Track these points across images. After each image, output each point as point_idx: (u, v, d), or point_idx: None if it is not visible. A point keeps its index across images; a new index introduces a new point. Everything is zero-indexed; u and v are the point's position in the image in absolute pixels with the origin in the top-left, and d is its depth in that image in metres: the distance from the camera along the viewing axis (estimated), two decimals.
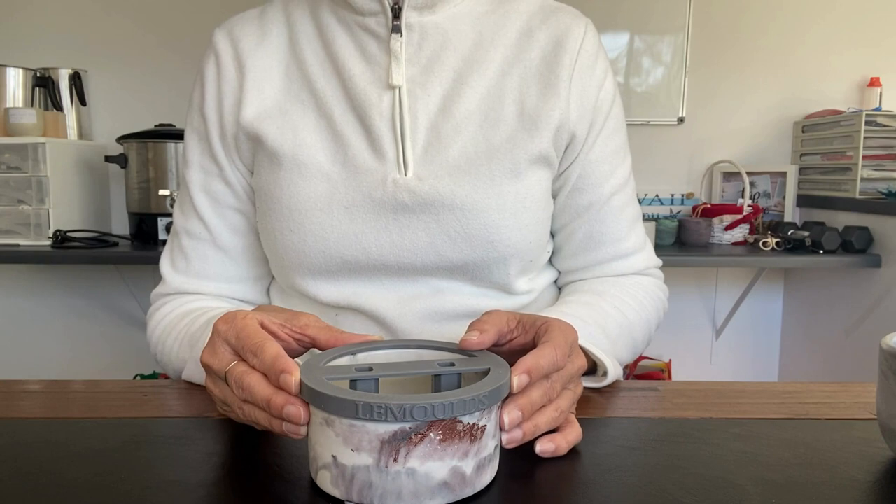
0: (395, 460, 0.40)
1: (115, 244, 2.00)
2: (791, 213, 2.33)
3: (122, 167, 2.08)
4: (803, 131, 2.34)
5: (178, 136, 2.03)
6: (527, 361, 0.46)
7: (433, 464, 0.40)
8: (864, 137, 2.07)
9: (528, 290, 0.77)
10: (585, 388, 0.62)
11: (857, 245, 1.99)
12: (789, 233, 2.08)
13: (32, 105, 2.16)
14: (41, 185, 1.97)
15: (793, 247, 2.03)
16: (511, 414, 0.45)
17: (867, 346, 2.05)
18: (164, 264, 0.79)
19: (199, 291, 0.78)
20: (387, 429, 0.39)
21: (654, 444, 0.51)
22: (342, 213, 0.70)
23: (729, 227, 2.19)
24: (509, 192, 0.70)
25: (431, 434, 0.40)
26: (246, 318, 0.48)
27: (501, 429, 0.45)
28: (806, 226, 2.14)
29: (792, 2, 2.33)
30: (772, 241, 2.03)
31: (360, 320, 0.73)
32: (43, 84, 2.16)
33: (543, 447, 0.48)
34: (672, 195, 2.42)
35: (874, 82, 2.30)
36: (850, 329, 2.12)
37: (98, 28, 2.30)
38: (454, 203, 0.69)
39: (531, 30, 0.74)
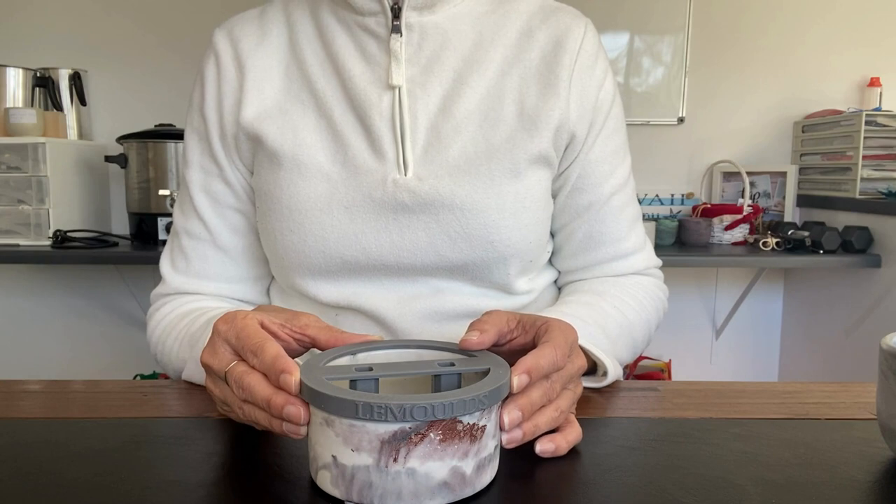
0: (395, 460, 0.40)
1: (115, 244, 2.00)
2: (791, 213, 2.33)
3: (122, 167, 2.08)
4: (803, 131, 2.34)
5: (178, 136, 2.03)
6: (527, 361, 0.46)
7: (433, 464, 0.40)
8: (864, 137, 2.07)
9: (527, 290, 0.77)
10: (585, 388, 0.62)
11: (857, 245, 1.99)
12: (789, 233, 2.08)
13: (32, 105, 2.16)
14: (41, 185, 1.97)
15: (793, 247, 2.03)
16: (511, 414, 0.45)
17: (867, 346, 2.05)
18: (164, 264, 0.79)
19: (199, 291, 0.78)
20: (387, 429, 0.39)
21: (654, 444, 0.51)
22: (342, 214, 0.70)
23: (729, 227, 2.19)
24: (509, 192, 0.70)
25: (431, 434, 0.40)
26: (246, 318, 0.48)
27: (501, 429, 0.45)
28: (806, 226, 2.14)
29: (792, 2, 2.33)
30: (772, 241, 2.03)
31: (360, 320, 0.73)
32: (43, 84, 2.16)
33: (543, 447, 0.48)
34: (672, 195, 2.42)
35: (874, 82, 2.30)
36: (850, 329, 2.12)
37: (98, 28, 2.30)
38: (454, 203, 0.69)
39: (531, 30, 0.74)
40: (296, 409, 0.42)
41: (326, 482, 0.42)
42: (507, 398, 0.45)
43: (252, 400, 0.45)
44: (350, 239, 0.70)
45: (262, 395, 0.44)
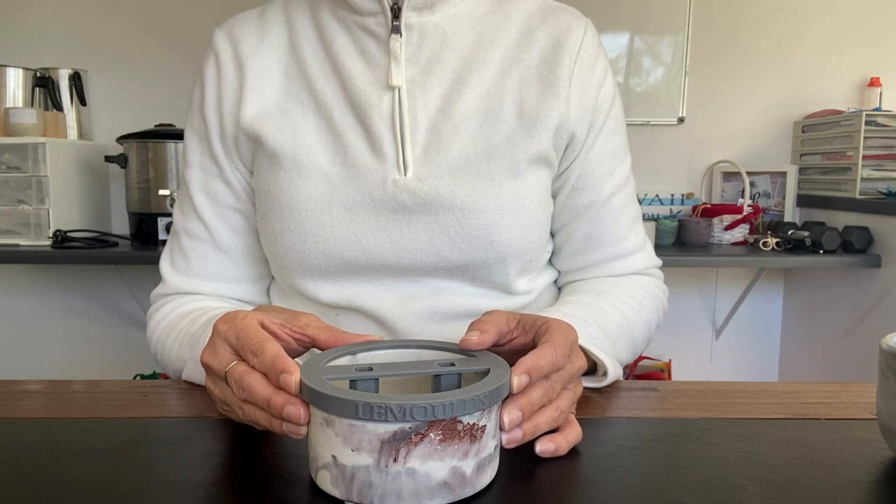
0: (395, 460, 0.40)
1: (115, 244, 2.00)
2: (791, 213, 2.33)
3: (122, 167, 2.08)
4: (803, 131, 2.34)
5: (178, 136, 2.03)
6: (527, 362, 0.46)
7: (433, 464, 0.40)
8: (864, 137, 2.07)
9: (527, 290, 0.77)
10: (585, 388, 0.62)
11: (857, 245, 1.99)
12: (789, 233, 2.08)
13: (32, 105, 2.16)
14: (41, 185, 1.97)
15: (793, 247, 2.03)
16: (511, 414, 0.45)
17: (867, 346, 2.05)
18: (164, 264, 0.79)
19: (199, 292, 0.78)
20: (387, 429, 0.39)
21: (654, 444, 0.51)
22: (342, 214, 0.70)
23: (729, 227, 2.19)
24: (509, 193, 0.70)
25: (431, 434, 0.40)
26: (246, 318, 0.48)
27: (501, 429, 0.45)
28: (806, 226, 2.14)
29: (792, 2, 2.33)
30: (772, 241, 2.03)
31: (360, 320, 0.73)
32: (43, 84, 2.16)
33: (543, 447, 0.48)
34: (672, 195, 2.41)
35: (874, 82, 2.30)
36: (850, 329, 2.12)
37: (98, 28, 2.30)
38: (454, 203, 0.69)
39: (531, 30, 0.74)
40: (296, 409, 0.42)
41: (326, 482, 0.42)
42: (507, 398, 0.45)
43: (252, 400, 0.45)
44: (350, 239, 0.70)
45: (262, 395, 0.44)
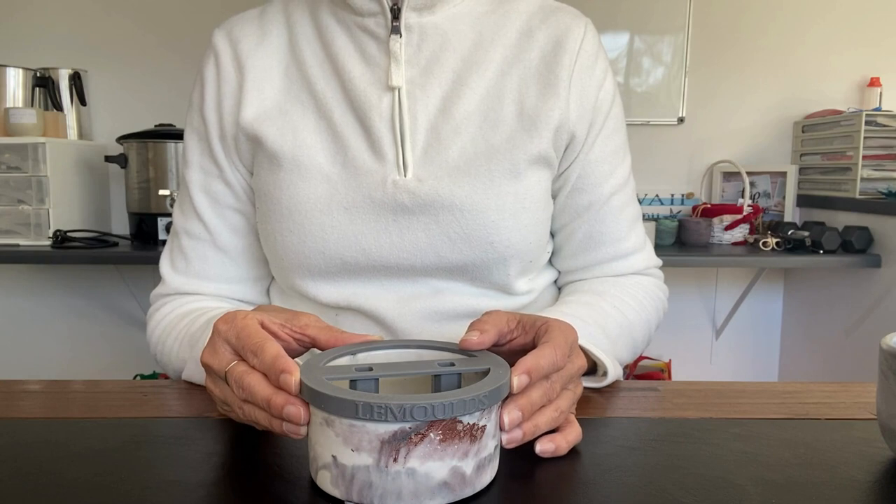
0: (395, 460, 0.40)
1: (115, 244, 2.00)
2: (791, 213, 2.33)
3: (122, 167, 2.08)
4: (803, 131, 2.34)
5: (178, 136, 2.03)
6: (527, 362, 0.46)
7: (433, 464, 0.40)
8: (864, 137, 2.07)
9: (527, 291, 0.77)
10: (585, 388, 0.62)
11: (857, 245, 1.99)
12: (789, 233, 2.08)
13: (32, 105, 2.16)
14: (41, 185, 1.97)
15: (793, 247, 2.03)
16: (511, 414, 0.45)
17: (867, 346, 2.05)
18: (164, 265, 0.79)
19: (199, 292, 0.78)
20: (387, 429, 0.39)
21: (654, 444, 0.51)
22: (342, 215, 0.70)
23: (729, 227, 2.19)
24: (509, 193, 0.70)
25: (431, 434, 0.40)
26: (246, 317, 0.48)
27: (501, 429, 0.45)
28: (806, 226, 2.14)
29: (792, 2, 2.33)
30: (772, 241, 2.03)
31: (360, 320, 0.73)
32: (43, 84, 2.16)
33: (543, 447, 0.48)
34: (672, 195, 2.42)
35: (874, 82, 2.30)
36: (850, 329, 2.12)
37: (98, 28, 2.30)
38: (454, 204, 0.69)
39: (531, 30, 0.74)
40: (296, 409, 0.42)
41: (326, 482, 0.42)
42: (507, 398, 0.45)
43: (252, 400, 0.45)
44: (350, 240, 0.70)
45: (262, 395, 0.44)
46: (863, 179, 2.09)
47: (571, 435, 0.49)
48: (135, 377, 2.23)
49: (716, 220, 2.20)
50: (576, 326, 0.52)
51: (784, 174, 2.33)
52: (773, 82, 2.37)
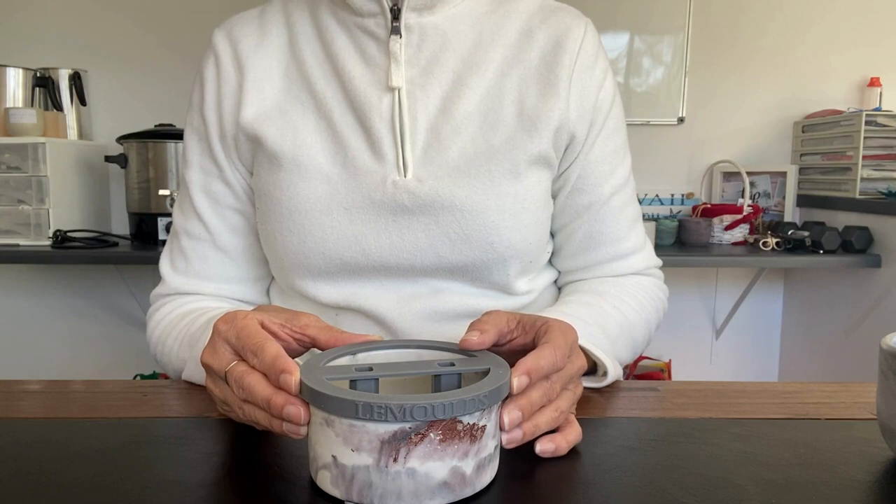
0: (395, 460, 0.40)
1: (115, 244, 2.00)
2: (791, 213, 2.33)
3: (122, 167, 2.08)
4: (803, 131, 2.34)
5: (178, 136, 2.03)
6: (527, 362, 0.46)
7: (433, 464, 0.40)
8: (864, 137, 2.07)
9: (527, 291, 0.77)
10: (585, 388, 0.62)
11: (857, 245, 1.99)
12: (789, 233, 2.08)
13: (32, 105, 2.16)
14: (41, 185, 1.97)
15: (793, 247, 2.03)
16: (511, 414, 0.45)
17: (867, 346, 2.05)
18: (164, 264, 0.79)
19: (199, 292, 0.78)
20: (387, 429, 0.39)
21: (654, 444, 0.51)
22: (342, 215, 0.70)
23: (729, 227, 2.19)
24: (509, 193, 0.70)
25: (431, 434, 0.40)
26: (246, 317, 0.48)
27: (501, 429, 0.45)
28: (806, 226, 2.14)
29: (792, 2, 2.33)
30: (772, 241, 2.03)
31: (359, 320, 0.73)
32: (43, 84, 2.16)
33: (543, 447, 0.48)
34: (672, 195, 2.42)
35: (874, 82, 2.30)
36: (850, 329, 2.12)
37: (98, 28, 2.30)
38: (454, 204, 0.69)
39: (531, 30, 0.73)
40: (296, 409, 0.42)
41: (326, 482, 0.42)
42: (506, 398, 0.45)
43: (252, 400, 0.45)
44: (350, 240, 0.70)
45: (262, 395, 0.44)
46: (863, 179, 2.09)
47: (571, 435, 0.49)
48: (135, 377, 2.23)
49: (716, 220, 2.20)
50: (576, 326, 0.52)
51: (784, 174, 2.33)
52: (773, 82, 2.37)
